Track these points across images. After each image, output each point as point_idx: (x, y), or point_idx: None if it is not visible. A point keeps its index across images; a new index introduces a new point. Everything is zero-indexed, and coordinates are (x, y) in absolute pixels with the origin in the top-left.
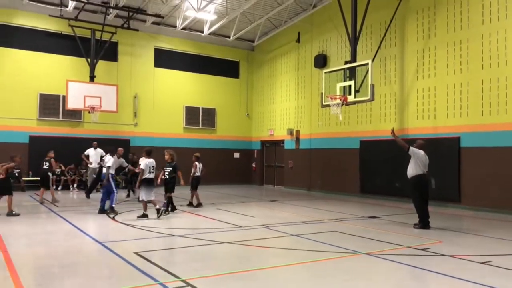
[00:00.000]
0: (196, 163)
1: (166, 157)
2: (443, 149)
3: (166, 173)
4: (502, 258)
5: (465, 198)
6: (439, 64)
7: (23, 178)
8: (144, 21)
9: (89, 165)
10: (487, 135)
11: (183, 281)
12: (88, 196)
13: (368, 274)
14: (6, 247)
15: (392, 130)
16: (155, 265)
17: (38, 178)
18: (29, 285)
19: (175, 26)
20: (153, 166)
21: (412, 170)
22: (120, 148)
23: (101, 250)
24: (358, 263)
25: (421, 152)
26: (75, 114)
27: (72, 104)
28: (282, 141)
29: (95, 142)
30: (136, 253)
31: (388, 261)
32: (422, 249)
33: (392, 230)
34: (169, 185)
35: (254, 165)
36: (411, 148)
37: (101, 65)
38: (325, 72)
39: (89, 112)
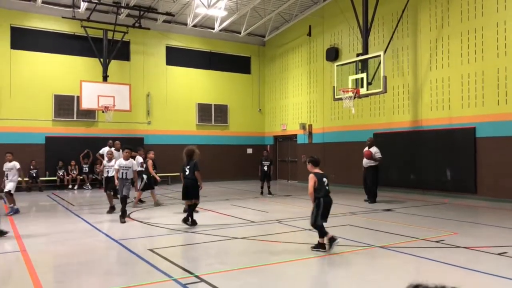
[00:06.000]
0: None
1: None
2: (458, 140)
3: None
4: None
5: (481, 189)
6: (453, 54)
7: (41, 178)
8: (155, 19)
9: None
10: (503, 125)
11: (197, 276)
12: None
13: (382, 267)
14: (25, 247)
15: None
16: (169, 261)
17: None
18: (48, 283)
19: (186, 24)
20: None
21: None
22: (117, 142)
23: (117, 247)
24: (372, 256)
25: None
26: (89, 114)
27: (86, 104)
28: (295, 136)
29: (110, 141)
30: (151, 250)
31: (402, 254)
32: (436, 241)
33: (406, 223)
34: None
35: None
36: (375, 154)
37: (114, 64)
38: (337, 65)
39: (103, 112)
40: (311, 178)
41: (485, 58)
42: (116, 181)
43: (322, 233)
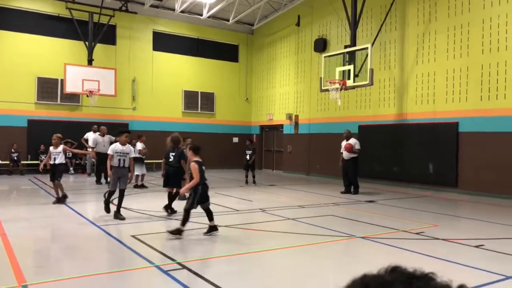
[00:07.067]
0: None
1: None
2: (441, 134)
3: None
4: (495, 242)
5: (462, 183)
6: (439, 48)
7: (22, 162)
8: (143, 3)
9: (88, 149)
10: (486, 120)
11: (179, 263)
12: (99, 182)
13: (362, 257)
14: (5, 231)
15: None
16: (151, 248)
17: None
18: (28, 268)
19: (173, 9)
20: None
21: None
22: (102, 127)
23: (99, 233)
24: (353, 246)
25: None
26: (73, 98)
27: (70, 88)
28: (281, 126)
29: (94, 126)
30: (133, 236)
31: (383, 244)
32: (416, 233)
33: (388, 214)
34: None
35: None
36: (355, 146)
37: (99, 48)
38: (324, 57)
39: (87, 96)
40: (195, 168)
41: (470, 54)
42: (110, 171)
43: (187, 219)
